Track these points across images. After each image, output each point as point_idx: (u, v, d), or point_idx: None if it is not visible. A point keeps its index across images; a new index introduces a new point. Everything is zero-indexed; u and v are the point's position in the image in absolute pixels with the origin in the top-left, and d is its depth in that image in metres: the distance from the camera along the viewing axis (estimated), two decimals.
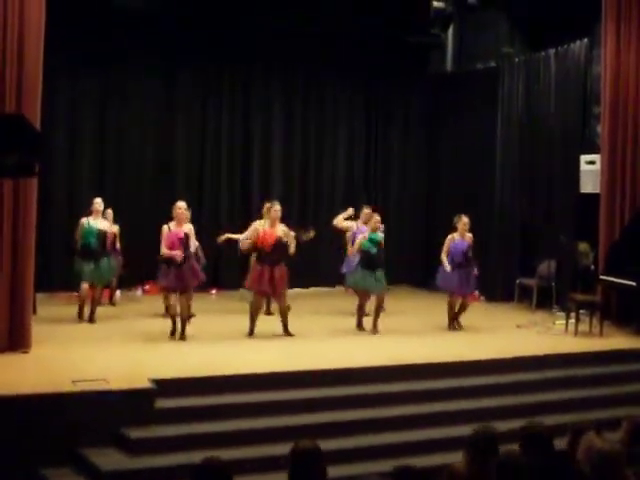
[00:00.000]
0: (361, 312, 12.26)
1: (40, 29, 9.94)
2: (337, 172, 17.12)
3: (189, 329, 11.20)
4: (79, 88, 14.82)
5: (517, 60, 15.68)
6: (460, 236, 12.45)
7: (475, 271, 12.55)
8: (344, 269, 13.32)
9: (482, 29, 16.67)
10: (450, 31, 17.06)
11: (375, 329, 12.04)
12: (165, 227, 11.26)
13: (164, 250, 11.10)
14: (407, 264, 16.81)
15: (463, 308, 12.62)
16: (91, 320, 12.16)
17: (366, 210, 13.26)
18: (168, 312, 11.59)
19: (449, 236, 12.51)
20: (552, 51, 14.80)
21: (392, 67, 16.74)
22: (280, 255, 11.56)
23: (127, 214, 13.74)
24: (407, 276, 16.71)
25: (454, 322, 12.57)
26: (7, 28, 9.66)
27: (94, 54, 14.40)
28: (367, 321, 12.18)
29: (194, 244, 11.40)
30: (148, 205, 14.69)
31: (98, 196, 12.70)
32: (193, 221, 11.87)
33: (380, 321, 12.08)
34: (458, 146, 16.97)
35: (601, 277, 12.78)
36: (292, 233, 11.67)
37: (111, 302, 13.54)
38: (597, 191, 13.35)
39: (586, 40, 14.12)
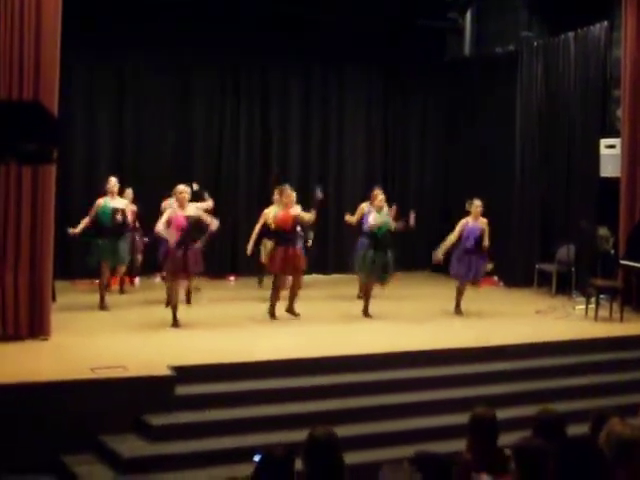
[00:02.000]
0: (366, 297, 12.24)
1: (57, 15, 9.93)
2: (355, 158, 17.10)
3: (207, 316, 11.16)
4: (96, 77, 14.86)
5: (536, 44, 15.56)
6: (474, 219, 12.37)
7: (486, 260, 12.47)
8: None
9: (501, 13, 16.56)
10: (468, 15, 16.98)
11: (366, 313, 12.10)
12: (169, 208, 11.24)
13: (162, 227, 10.93)
14: (425, 250, 16.75)
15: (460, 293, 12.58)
16: (103, 307, 12.06)
17: (375, 191, 13.16)
18: (170, 302, 11.27)
19: (463, 220, 12.44)
20: (571, 34, 14.69)
21: (410, 52, 16.64)
22: (296, 234, 11.79)
23: (145, 199, 13.71)
24: (426, 262, 16.65)
25: (458, 307, 12.54)
26: (24, 15, 9.66)
27: (111, 38, 14.38)
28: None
29: (209, 220, 11.33)
30: (166, 190, 14.64)
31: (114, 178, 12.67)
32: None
33: (393, 306, 12.06)
34: (477, 131, 16.89)
35: (621, 262, 12.71)
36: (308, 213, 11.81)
37: (129, 285, 13.55)
38: (617, 175, 13.28)
39: (606, 23, 14.00)
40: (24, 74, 9.65)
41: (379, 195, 12.45)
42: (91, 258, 12.28)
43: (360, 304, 12.34)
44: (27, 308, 9.87)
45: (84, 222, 12.31)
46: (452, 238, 12.40)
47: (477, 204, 12.40)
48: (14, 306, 9.78)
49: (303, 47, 15.88)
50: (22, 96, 9.52)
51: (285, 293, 11.92)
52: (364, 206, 13.31)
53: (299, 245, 12.12)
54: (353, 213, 13.51)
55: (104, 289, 12.25)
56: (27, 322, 9.87)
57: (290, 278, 12.02)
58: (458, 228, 12.41)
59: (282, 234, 11.68)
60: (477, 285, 12.71)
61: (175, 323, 10.98)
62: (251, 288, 14.10)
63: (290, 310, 11.76)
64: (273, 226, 11.80)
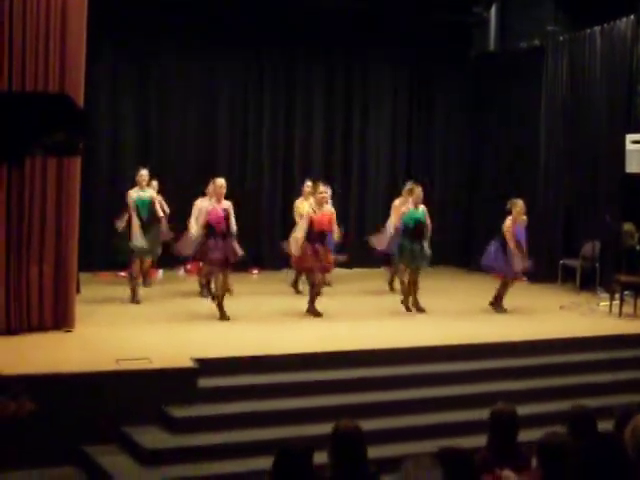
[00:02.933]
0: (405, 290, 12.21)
1: (83, 7, 9.96)
2: (379, 153, 17.09)
3: (230, 309, 11.19)
4: (120, 69, 14.96)
5: (561, 38, 15.46)
6: (517, 221, 12.19)
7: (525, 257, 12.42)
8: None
9: (526, 7, 16.45)
10: (493, 10, 16.90)
11: (418, 307, 12.05)
12: (204, 203, 11.33)
13: (197, 226, 11.16)
14: (450, 246, 16.74)
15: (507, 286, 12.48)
16: (135, 301, 12.08)
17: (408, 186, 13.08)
18: (216, 295, 11.41)
19: (508, 222, 12.13)
20: (597, 29, 14.59)
21: (435, 46, 16.57)
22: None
23: (169, 194, 13.75)
24: (449, 257, 16.64)
25: (499, 301, 12.41)
26: (50, 8, 9.68)
27: (136, 31, 14.46)
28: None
29: (233, 222, 11.41)
30: (190, 184, 14.66)
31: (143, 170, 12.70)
32: (234, 201, 11.82)
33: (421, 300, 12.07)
34: (501, 126, 16.83)
35: None
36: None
37: (152, 277, 13.63)
38: None
39: (632, 17, 13.90)
40: (49, 66, 9.68)
41: (416, 190, 12.36)
42: (123, 250, 12.28)
43: (386, 298, 12.33)
44: (52, 300, 9.91)
45: (126, 216, 12.29)
46: (513, 246, 12.13)
47: (521, 205, 12.19)
48: (39, 298, 9.83)
49: (327, 40, 15.86)
50: (48, 88, 9.56)
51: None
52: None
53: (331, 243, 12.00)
54: (375, 206, 13.55)
55: (136, 282, 12.24)
56: (52, 314, 9.91)
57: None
58: (512, 234, 12.15)
59: (314, 231, 11.45)
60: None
61: (223, 315, 11.07)
62: (274, 281, 14.11)
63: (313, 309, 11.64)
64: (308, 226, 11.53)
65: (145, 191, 12.47)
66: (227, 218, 11.20)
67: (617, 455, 4.21)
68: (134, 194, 12.33)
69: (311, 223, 11.36)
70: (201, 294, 12.59)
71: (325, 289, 12.24)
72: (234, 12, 14.94)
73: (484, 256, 12.52)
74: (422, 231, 12.15)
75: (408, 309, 12.07)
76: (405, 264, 12.32)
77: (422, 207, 12.25)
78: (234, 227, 11.34)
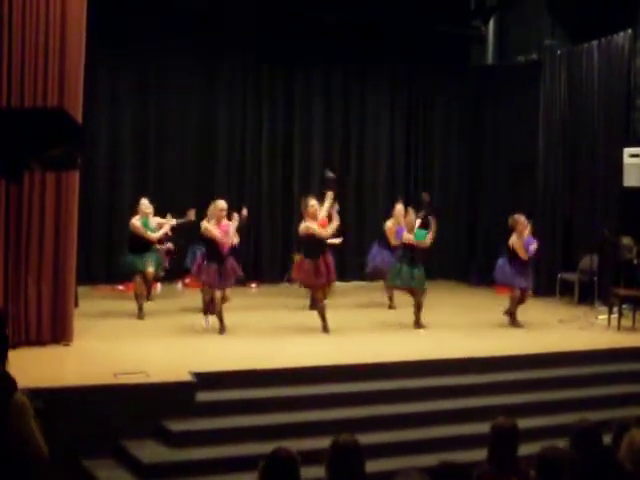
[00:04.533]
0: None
1: (82, 23, 9.98)
2: (378, 166, 17.09)
3: (229, 321, 11.19)
4: (118, 78, 14.94)
5: (559, 52, 15.51)
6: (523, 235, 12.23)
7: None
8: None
9: (524, 21, 16.54)
10: (491, 23, 16.97)
11: (418, 324, 11.97)
12: (209, 225, 11.22)
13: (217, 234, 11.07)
14: (449, 259, 16.75)
15: (521, 301, 12.48)
16: (140, 316, 12.00)
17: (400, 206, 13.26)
18: (210, 310, 11.47)
19: (514, 239, 12.17)
20: (595, 43, 14.64)
21: (433, 60, 16.62)
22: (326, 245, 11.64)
23: (168, 208, 13.73)
24: (448, 271, 16.65)
25: (514, 317, 12.39)
26: (50, 22, 9.69)
27: (135, 46, 14.51)
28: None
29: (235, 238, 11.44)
30: (189, 198, 14.66)
31: (142, 195, 12.74)
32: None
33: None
34: (500, 140, 16.87)
35: None
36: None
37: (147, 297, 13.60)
38: None
39: (630, 31, 13.96)
40: (48, 81, 9.69)
41: (409, 214, 12.32)
42: (129, 268, 12.30)
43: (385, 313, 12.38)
44: (50, 313, 9.90)
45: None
46: (522, 254, 12.17)
47: (522, 221, 12.24)
48: (37, 311, 9.82)
49: (326, 50, 15.87)
50: (46, 103, 9.58)
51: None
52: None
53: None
54: (372, 223, 13.59)
55: (143, 298, 12.18)
56: (50, 327, 9.90)
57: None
58: (521, 248, 12.19)
59: (313, 245, 11.43)
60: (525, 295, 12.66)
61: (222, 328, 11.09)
62: (272, 295, 14.11)
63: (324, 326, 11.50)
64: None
65: (148, 219, 12.42)
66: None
67: (613, 468, 4.22)
68: (138, 222, 12.27)
69: (312, 236, 11.33)
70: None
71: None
72: (232, 25, 15.02)
73: (496, 272, 12.55)
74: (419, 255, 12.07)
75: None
76: (396, 284, 12.32)
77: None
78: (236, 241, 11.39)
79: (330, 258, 11.66)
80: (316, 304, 11.62)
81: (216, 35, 15.02)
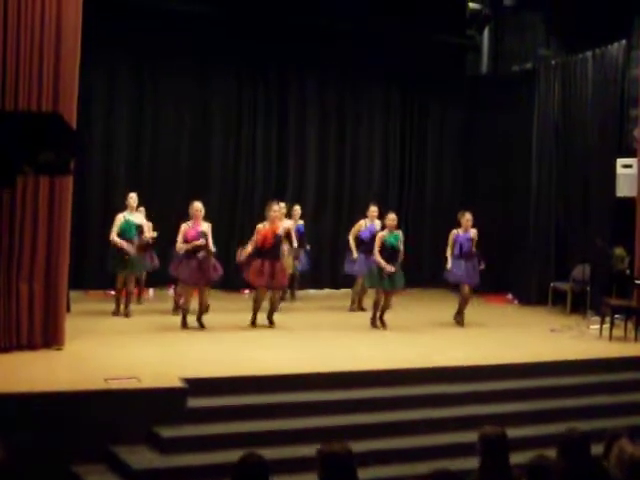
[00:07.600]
0: (375, 309, 12.43)
1: (77, 28, 9.96)
2: (372, 174, 17.11)
3: (220, 329, 11.18)
4: (114, 87, 14.94)
5: (554, 62, 15.57)
6: (464, 231, 12.77)
7: (482, 265, 12.82)
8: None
9: (518, 31, 16.59)
10: (486, 33, 17.02)
11: (383, 324, 12.31)
12: (184, 224, 11.61)
13: (181, 245, 11.47)
14: (440, 267, 16.71)
15: (465, 301, 12.78)
16: (127, 314, 12.33)
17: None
18: (180, 307, 11.87)
19: (453, 231, 12.86)
20: (589, 53, 14.69)
21: (428, 68, 16.65)
22: (279, 250, 12.01)
23: (160, 214, 13.73)
24: (442, 279, 16.61)
25: (459, 316, 12.76)
26: (44, 27, 9.68)
27: (130, 54, 14.51)
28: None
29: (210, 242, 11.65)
30: (182, 205, 14.64)
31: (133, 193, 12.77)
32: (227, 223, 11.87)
33: (402, 320, 12.21)
34: (494, 149, 16.89)
35: (636, 282, 12.68)
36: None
37: (139, 301, 13.60)
38: (633, 195, 13.24)
39: (624, 42, 14.00)
40: (43, 85, 9.68)
41: (389, 216, 12.66)
42: (117, 270, 12.47)
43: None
44: (42, 318, 9.87)
45: (117, 239, 12.35)
46: (449, 252, 12.77)
47: (468, 217, 12.87)
48: (29, 316, 9.79)
49: (320, 61, 15.91)
50: (41, 107, 9.57)
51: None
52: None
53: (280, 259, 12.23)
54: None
55: (125, 298, 12.43)
56: (41, 332, 9.87)
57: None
58: (450, 240, 12.81)
59: (263, 248, 11.83)
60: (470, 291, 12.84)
61: (185, 324, 11.49)
62: (264, 302, 14.07)
63: (270, 322, 12.09)
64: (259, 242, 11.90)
65: (134, 216, 12.55)
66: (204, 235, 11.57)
67: (602, 478, 4.23)
68: (121, 217, 12.47)
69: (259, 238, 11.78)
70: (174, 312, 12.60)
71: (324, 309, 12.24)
72: (227, 37, 15.08)
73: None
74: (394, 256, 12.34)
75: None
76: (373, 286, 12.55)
77: (398, 232, 12.55)
78: (212, 247, 11.61)
79: (279, 265, 11.93)
80: (255, 303, 11.98)
81: (211, 43, 15.03)
